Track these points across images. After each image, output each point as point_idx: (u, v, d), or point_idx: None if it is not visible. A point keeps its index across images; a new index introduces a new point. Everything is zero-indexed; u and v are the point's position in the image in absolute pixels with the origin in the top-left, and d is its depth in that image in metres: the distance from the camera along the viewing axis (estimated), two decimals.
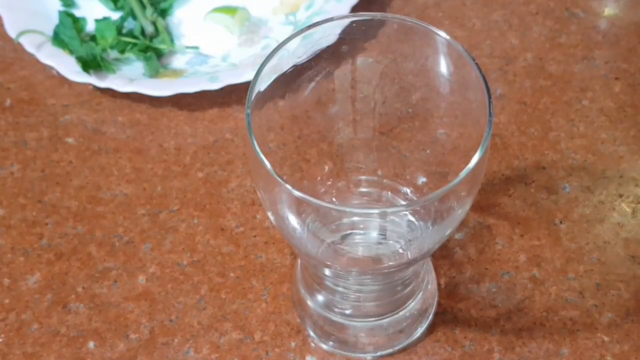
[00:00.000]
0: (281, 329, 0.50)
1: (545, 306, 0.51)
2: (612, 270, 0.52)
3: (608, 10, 0.66)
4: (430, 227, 0.41)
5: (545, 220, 0.54)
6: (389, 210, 0.47)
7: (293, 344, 0.50)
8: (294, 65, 0.42)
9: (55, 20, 0.63)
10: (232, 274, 0.53)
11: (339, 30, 0.43)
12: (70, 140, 0.59)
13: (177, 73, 0.62)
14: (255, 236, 0.54)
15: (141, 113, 0.60)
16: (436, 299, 0.51)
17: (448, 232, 0.41)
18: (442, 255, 0.53)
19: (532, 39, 0.63)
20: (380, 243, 0.46)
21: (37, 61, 0.61)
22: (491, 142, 0.47)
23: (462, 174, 0.36)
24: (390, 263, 0.45)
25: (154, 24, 0.64)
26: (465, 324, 0.50)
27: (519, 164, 0.57)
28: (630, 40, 0.63)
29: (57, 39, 0.62)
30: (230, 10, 0.65)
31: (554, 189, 0.55)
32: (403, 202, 0.48)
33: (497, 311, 0.51)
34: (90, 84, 0.61)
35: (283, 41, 0.41)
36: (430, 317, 0.50)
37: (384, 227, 0.46)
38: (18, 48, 0.63)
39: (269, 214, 0.41)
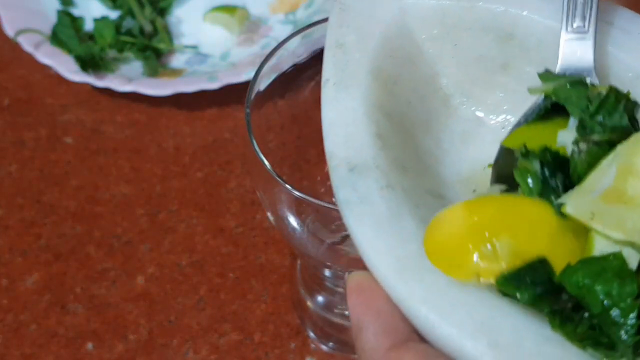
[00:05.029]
0: (281, 329, 0.50)
1: None
2: None
3: None
4: None
5: None
6: None
7: (293, 345, 0.50)
8: (294, 64, 0.42)
9: (53, 19, 0.63)
10: (231, 275, 0.52)
11: None
12: (68, 140, 0.59)
13: (176, 72, 0.61)
14: (254, 236, 0.54)
15: (140, 113, 0.60)
16: None
17: None
18: None
19: None
20: None
21: (35, 60, 0.61)
22: None
23: None
24: None
25: (152, 23, 0.64)
26: None
27: None
28: None
29: (56, 38, 0.61)
30: (229, 9, 0.65)
31: None
32: None
33: None
34: (88, 84, 0.61)
35: (283, 40, 0.40)
36: None
37: None
38: (16, 47, 0.63)
39: (269, 214, 0.41)
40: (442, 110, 0.34)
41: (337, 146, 0.30)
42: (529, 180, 0.29)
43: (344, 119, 0.30)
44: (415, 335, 0.27)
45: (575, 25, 0.32)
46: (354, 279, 0.29)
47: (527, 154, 0.29)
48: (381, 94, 0.31)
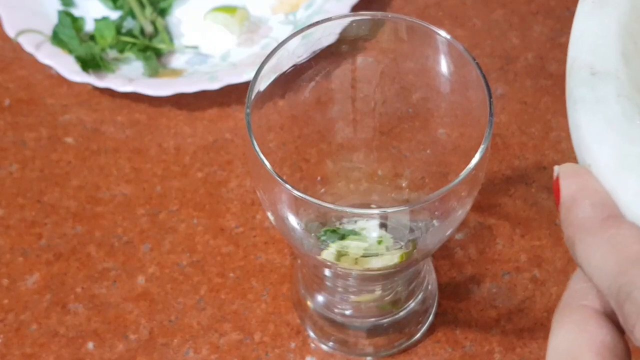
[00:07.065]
0: (281, 329, 0.50)
1: (546, 307, 0.51)
2: None
3: None
4: (431, 228, 0.41)
5: (546, 220, 0.54)
6: (389, 210, 0.47)
7: (293, 344, 0.50)
8: (294, 65, 0.42)
9: (54, 19, 0.63)
10: (231, 274, 0.52)
11: (338, 30, 0.42)
12: (69, 140, 0.59)
13: (176, 73, 0.61)
14: (255, 236, 0.54)
15: (140, 113, 0.60)
16: (436, 300, 0.51)
17: (448, 232, 0.41)
18: (442, 256, 0.53)
19: (533, 39, 0.63)
20: None
21: (36, 61, 0.61)
22: (492, 142, 0.47)
23: (463, 174, 0.36)
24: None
25: (153, 23, 0.64)
26: (465, 324, 0.50)
27: (520, 164, 0.57)
28: None
29: (56, 39, 0.61)
30: (229, 9, 0.65)
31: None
32: (403, 202, 0.48)
33: (498, 312, 0.50)
34: (89, 84, 0.61)
35: (283, 41, 0.40)
36: (431, 317, 0.50)
37: (384, 227, 0.46)
38: (17, 47, 0.63)
39: (269, 214, 0.41)
40: None
41: (582, 53, 0.33)
42: None
43: (595, 32, 0.33)
44: None
45: None
46: (568, 167, 0.31)
47: None
48: (634, 22, 0.33)
